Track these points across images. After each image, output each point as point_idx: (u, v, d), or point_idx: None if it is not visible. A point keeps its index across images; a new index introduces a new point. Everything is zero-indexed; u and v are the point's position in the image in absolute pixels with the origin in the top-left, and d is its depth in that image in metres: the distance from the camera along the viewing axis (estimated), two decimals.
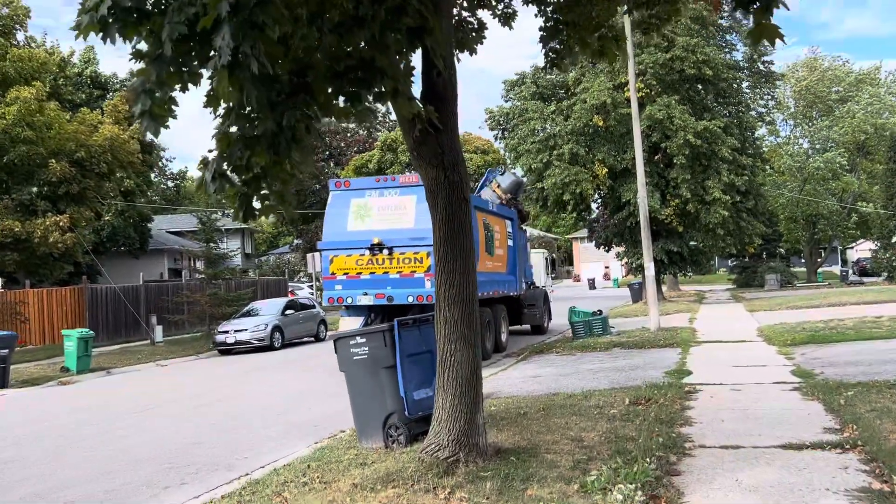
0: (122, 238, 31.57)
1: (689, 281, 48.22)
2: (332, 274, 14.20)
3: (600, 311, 18.71)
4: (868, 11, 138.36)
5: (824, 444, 6.04)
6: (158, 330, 23.93)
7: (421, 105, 5.09)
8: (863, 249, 49.59)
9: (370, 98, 4.46)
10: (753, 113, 30.58)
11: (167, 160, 54.76)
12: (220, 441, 9.09)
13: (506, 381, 11.67)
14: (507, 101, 30.66)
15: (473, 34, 7.62)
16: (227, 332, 20.97)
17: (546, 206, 29.14)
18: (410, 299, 13.62)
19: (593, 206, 31.37)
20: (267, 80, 4.23)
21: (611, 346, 14.68)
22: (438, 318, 5.87)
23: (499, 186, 19.90)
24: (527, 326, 20.67)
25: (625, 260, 31.87)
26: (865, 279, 39.02)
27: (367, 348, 6.84)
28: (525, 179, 28.06)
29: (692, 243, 29.47)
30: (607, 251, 32.98)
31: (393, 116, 61.83)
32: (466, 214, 5.88)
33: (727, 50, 29.70)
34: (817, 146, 42.90)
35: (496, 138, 32.21)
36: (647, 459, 5.66)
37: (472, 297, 5.88)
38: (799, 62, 45.92)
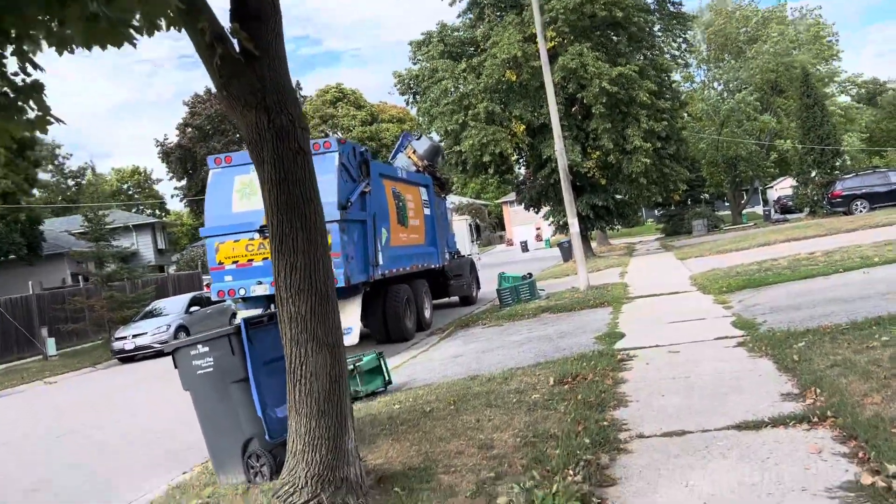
0: (6, 245, 28.47)
1: (619, 234, 47.96)
2: (220, 263, 12.43)
3: (530, 275, 17.60)
4: None
5: (786, 418, 4.86)
6: (51, 343, 21.56)
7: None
8: (783, 187, 50.15)
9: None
10: (668, 56, 29.68)
11: (64, 157, 50.89)
12: (71, 480, 7.54)
13: (424, 364, 10.49)
14: (415, 64, 28.89)
15: None
16: (124, 337, 18.90)
17: (466, 169, 27.70)
18: None
19: (516, 167, 30.17)
20: None
21: (539, 312, 13.60)
22: (282, 316, 4.34)
23: (414, 152, 18.43)
24: (455, 298, 19.44)
25: (552, 219, 30.91)
26: (789, 216, 39.28)
27: (211, 358, 5.27)
28: (442, 144, 26.53)
29: (617, 196, 28.64)
30: (537, 212, 31.90)
31: (304, 90, 58.38)
32: (305, 170, 4.33)
33: None
34: (731, 87, 42.75)
35: (407, 103, 30.41)
36: (572, 468, 4.37)
37: (325, 283, 4.37)
38: (705, 5, 45.67)
